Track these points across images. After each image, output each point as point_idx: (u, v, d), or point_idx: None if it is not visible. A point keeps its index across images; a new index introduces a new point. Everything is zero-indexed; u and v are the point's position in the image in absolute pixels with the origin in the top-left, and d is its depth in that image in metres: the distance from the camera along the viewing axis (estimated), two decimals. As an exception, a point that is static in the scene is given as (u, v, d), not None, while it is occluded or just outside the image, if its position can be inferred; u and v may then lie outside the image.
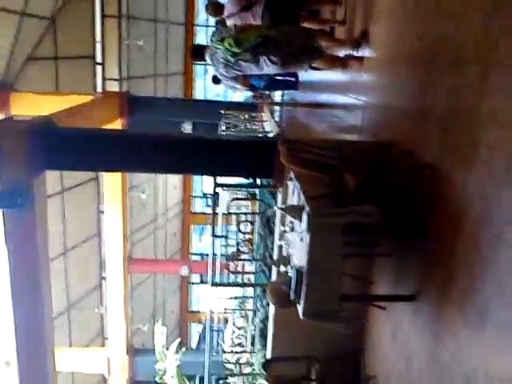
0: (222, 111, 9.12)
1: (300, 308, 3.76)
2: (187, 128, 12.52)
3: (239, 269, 9.61)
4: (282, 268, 4.34)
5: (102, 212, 13.44)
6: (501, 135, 2.78)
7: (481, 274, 2.89)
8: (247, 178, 6.47)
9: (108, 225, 12.73)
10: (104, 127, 9.75)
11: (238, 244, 9.16)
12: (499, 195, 2.74)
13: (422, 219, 3.67)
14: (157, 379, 8.78)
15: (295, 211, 3.99)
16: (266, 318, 7.48)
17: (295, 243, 4.14)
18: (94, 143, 5.33)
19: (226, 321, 10.06)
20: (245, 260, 8.17)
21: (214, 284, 5.73)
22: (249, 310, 8.56)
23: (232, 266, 9.48)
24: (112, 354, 11.52)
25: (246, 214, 9.40)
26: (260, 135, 7.59)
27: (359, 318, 4.84)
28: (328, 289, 3.70)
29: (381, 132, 4.86)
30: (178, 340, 9.62)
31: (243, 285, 8.09)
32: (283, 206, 4.36)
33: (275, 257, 5.28)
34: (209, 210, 19.44)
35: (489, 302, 2.80)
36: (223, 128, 8.11)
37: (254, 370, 7.54)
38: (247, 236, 9.50)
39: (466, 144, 3.17)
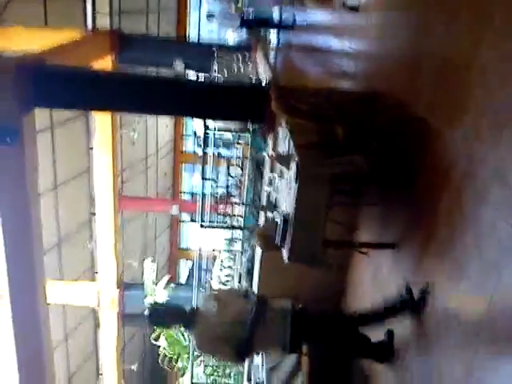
0: (215, 51, 8.97)
1: (285, 252, 3.89)
2: (179, 66, 12.28)
3: (228, 210, 9.74)
4: (270, 214, 4.45)
5: (92, 148, 13.38)
6: (488, 97, 2.81)
7: (461, 231, 2.99)
8: (238, 121, 6.47)
9: (98, 161, 12.70)
10: (94, 65, 9.57)
11: (227, 186, 9.22)
12: (485, 156, 2.80)
13: (410, 173, 3.75)
14: (145, 312, 9.08)
15: (284, 159, 4.05)
16: (253, 257, 7.66)
17: (283, 190, 4.22)
18: (83, 82, 5.26)
19: (215, 258, 10.29)
20: (234, 203, 8.28)
21: (202, 225, 5.85)
22: (236, 250, 8.76)
23: (221, 207, 9.63)
24: (102, 288, 11.82)
25: (236, 158, 9.45)
26: (253, 79, 7.50)
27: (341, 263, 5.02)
28: (312, 235, 3.81)
29: (374, 81, 4.85)
30: (168, 276, 9.87)
31: (231, 227, 8.25)
32: (273, 154, 4.40)
33: (263, 202, 5.37)
34: (200, 150, 19.43)
35: (466, 258, 2.93)
36: (215, 69, 8.01)
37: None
38: (237, 178, 9.59)
39: (457, 100, 3.20)
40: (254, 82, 7.54)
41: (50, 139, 11.90)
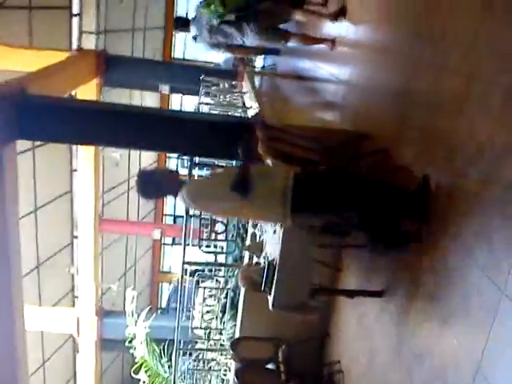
0: (202, 78, 8.95)
1: (270, 299, 3.83)
2: (165, 89, 12.23)
3: (212, 236, 9.58)
4: (255, 256, 4.39)
5: (75, 170, 13.23)
6: (475, 151, 2.80)
7: (447, 285, 2.97)
8: (223, 158, 6.42)
9: (80, 183, 12.57)
10: (79, 87, 9.46)
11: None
12: (471, 216, 2.79)
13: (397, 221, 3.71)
14: (126, 344, 8.91)
15: (270, 204, 3.99)
16: (237, 287, 7.54)
17: (269, 233, 4.17)
18: (69, 115, 5.16)
19: (198, 282, 10.10)
20: (220, 235, 8.17)
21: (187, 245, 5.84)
22: (221, 276, 8.64)
23: (205, 232, 9.51)
24: (81, 315, 11.58)
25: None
26: (239, 109, 7.48)
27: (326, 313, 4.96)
28: (298, 282, 3.76)
29: (359, 120, 4.85)
30: (148, 308, 9.71)
31: (215, 253, 8.17)
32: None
33: (248, 242, 5.31)
34: (185, 172, 19.32)
35: (452, 313, 2.90)
36: (202, 99, 7.98)
37: (222, 340, 7.70)
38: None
39: (441, 154, 3.20)
40: (240, 111, 7.51)
41: (32, 160, 11.71)
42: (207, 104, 7.70)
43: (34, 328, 10.02)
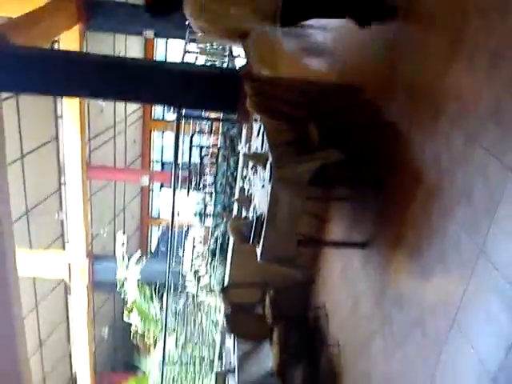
0: (188, 23, 8.72)
1: (258, 251, 3.99)
2: (149, 34, 11.97)
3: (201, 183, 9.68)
4: (244, 209, 4.52)
5: (60, 116, 13.09)
6: (459, 110, 2.89)
7: (427, 240, 3.14)
8: (211, 110, 6.42)
9: (66, 129, 12.49)
10: (60, 35, 9.26)
11: (201, 159, 9.13)
12: (453, 173, 2.91)
13: (380, 174, 3.85)
14: (117, 288, 9.19)
15: (259, 158, 4.09)
16: (226, 232, 7.73)
17: (257, 187, 4.28)
18: (49, 67, 5.09)
19: (187, 227, 10.32)
20: (208, 187, 8.27)
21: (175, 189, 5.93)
22: (208, 226, 8.84)
23: (194, 179, 9.61)
24: (72, 260, 11.82)
25: (209, 132, 9.42)
26: (226, 58, 7.40)
27: (313, 262, 5.16)
28: (286, 236, 3.91)
29: (351, 73, 4.86)
30: (139, 252, 9.93)
31: (204, 214, 8.31)
32: (247, 152, 4.43)
33: (237, 195, 5.43)
34: (171, 117, 19.14)
35: (431, 266, 3.08)
36: (188, 47, 7.85)
37: (211, 283, 7.97)
38: (210, 150, 9.54)
39: (427, 113, 3.28)
40: (226, 60, 7.44)
41: (15, 106, 11.56)
42: (193, 52, 7.59)
43: (25, 273, 10.24)
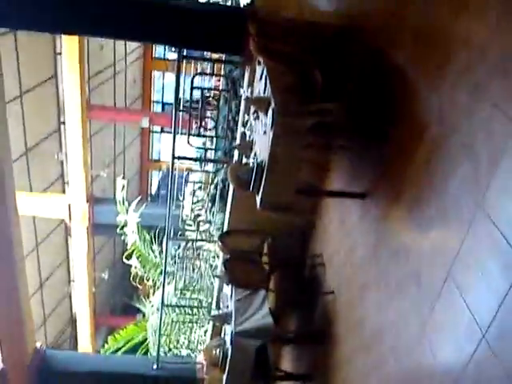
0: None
1: (258, 199, 3.94)
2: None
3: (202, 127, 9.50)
4: (244, 156, 4.44)
5: (59, 53, 12.76)
6: (469, 63, 2.76)
7: (427, 194, 3.07)
8: (213, 51, 6.20)
9: (65, 67, 12.21)
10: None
11: (202, 101, 8.89)
12: (457, 126, 2.81)
13: (384, 125, 3.74)
14: (118, 230, 9.23)
15: (261, 103, 3.96)
16: (226, 179, 7.65)
17: (259, 133, 4.18)
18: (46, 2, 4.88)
19: (188, 171, 10.23)
20: (209, 131, 8.11)
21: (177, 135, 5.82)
22: (209, 171, 8.76)
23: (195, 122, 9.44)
24: (72, 201, 11.85)
25: (211, 74, 9.16)
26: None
27: (312, 211, 5.12)
28: (286, 184, 3.86)
29: (357, 14, 4.65)
30: (139, 197, 9.92)
31: (205, 158, 8.20)
32: (249, 96, 4.30)
33: (238, 141, 5.33)
34: (172, 56, 18.70)
35: (429, 220, 3.03)
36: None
37: (211, 229, 8.00)
38: (212, 93, 9.33)
39: (434, 61, 3.15)
40: (231, 0, 7.14)
41: (13, 43, 11.24)
42: (197, -11, 7.26)
43: (26, 212, 10.27)
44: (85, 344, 14.19)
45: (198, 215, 8.70)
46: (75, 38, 11.52)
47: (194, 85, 6.65)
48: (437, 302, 2.88)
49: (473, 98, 2.69)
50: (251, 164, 4.13)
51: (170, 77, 18.55)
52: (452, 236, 2.79)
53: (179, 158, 5.94)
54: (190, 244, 8.31)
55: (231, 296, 5.12)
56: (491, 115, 2.51)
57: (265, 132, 3.92)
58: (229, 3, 7.29)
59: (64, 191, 13.20)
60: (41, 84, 12.51)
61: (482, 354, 2.42)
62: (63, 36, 11.60)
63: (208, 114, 9.09)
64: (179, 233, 8.53)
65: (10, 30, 10.86)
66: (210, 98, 9.21)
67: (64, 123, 12.93)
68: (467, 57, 2.78)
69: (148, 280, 8.75)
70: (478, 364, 2.45)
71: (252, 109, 4.44)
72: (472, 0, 2.78)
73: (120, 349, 9.05)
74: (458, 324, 2.66)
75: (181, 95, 7.73)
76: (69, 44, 11.76)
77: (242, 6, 6.08)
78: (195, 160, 7.58)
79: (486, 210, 2.48)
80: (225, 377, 4.90)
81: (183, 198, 8.70)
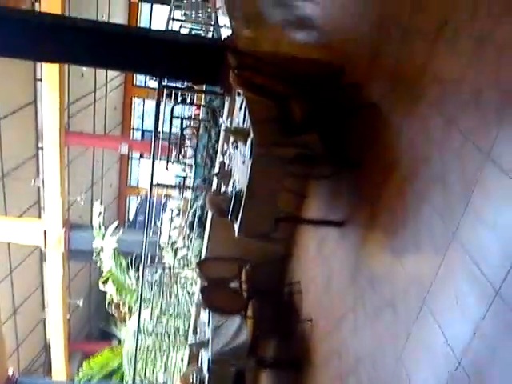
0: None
1: (236, 227, 4.00)
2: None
3: (181, 155, 9.58)
4: (223, 185, 4.51)
5: (40, 79, 12.77)
6: (440, 97, 2.91)
7: (402, 222, 3.18)
8: (193, 82, 6.31)
9: (45, 93, 12.22)
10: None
11: (182, 130, 9.02)
12: (430, 156, 2.93)
13: (359, 154, 3.87)
14: (93, 257, 9.15)
15: (240, 134, 4.06)
16: (205, 205, 7.69)
17: (237, 162, 4.27)
18: (26, 29, 4.91)
19: (166, 197, 10.22)
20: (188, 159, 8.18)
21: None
22: (187, 197, 8.79)
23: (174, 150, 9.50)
24: (48, 227, 11.70)
25: (191, 103, 9.30)
26: (211, 28, 7.27)
27: (290, 238, 5.20)
28: (264, 213, 3.93)
29: (335, 51, 4.83)
30: (116, 223, 9.87)
31: (184, 185, 8.25)
32: (228, 127, 4.39)
33: (216, 170, 5.41)
34: (153, 83, 18.83)
35: (404, 248, 3.13)
36: (173, 13, 7.69)
37: (189, 256, 7.99)
38: (192, 122, 9.43)
39: (408, 95, 3.29)
40: (212, 29, 7.30)
41: (-7, 67, 11.21)
42: (178, 20, 7.44)
43: (0, 238, 10.14)
44: (58, 370, 13.86)
45: (176, 242, 8.70)
46: (56, 65, 11.57)
47: (174, 114, 6.73)
48: (412, 329, 2.95)
49: (444, 129, 2.82)
50: (230, 192, 4.20)
51: (151, 104, 18.65)
52: (427, 264, 2.88)
53: (158, 184, 5.96)
54: (167, 270, 8.28)
55: (208, 322, 5.12)
56: (463, 146, 2.63)
57: (243, 162, 4.00)
58: (209, 35, 7.45)
59: (40, 217, 13.05)
60: (20, 109, 12.48)
61: (458, 381, 2.48)
62: (43, 63, 11.65)
63: (187, 142, 9.19)
64: (156, 259, 8.51)
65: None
66: (190, 127, 9.32)
67: (42, 149, 12.87)
68: (440, 90, 2.92)
69: (124, 306, 8.66)
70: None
71: (231, 138, 4.54)
72: (445, 37, 2.93)
73: (95, 376, 8.88)
74: (434, 351, 2.72)
75: (161, 123, 7.82)
76: (49, 70, 11.79)
77: (222, 38, 6.22)
78: (174, 187, 7.61)
79: (461, 239, 2.58)
80: (202, 405, 4.87)
81: (161, 225, 8.71)
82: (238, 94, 4.56)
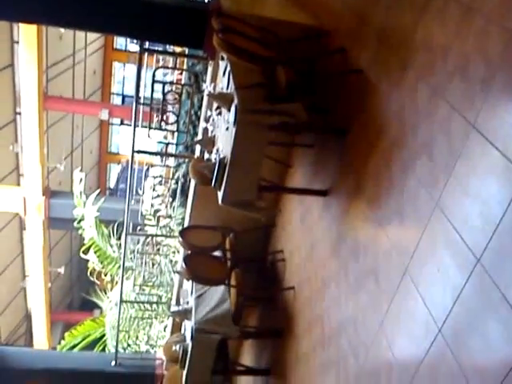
0: None
1: (220, 195, 3.93)
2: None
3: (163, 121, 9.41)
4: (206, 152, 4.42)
5: (17, 42, 12.36)
6: (428, 66, 2.84)
7: (386, 192, 3.14)
8: (176, 45, 6.13)
9: (22, 56, 11.85)
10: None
11: (164, 94, 8.80)
12: (417, 125, 2.88)
13: (345, 122, 3.80)
14: (75, 224, 9.02)
15: (224, 100, 3.95)
16: (188, 174, 7.61)
17: (221, 129, 4.17)
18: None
19: (148, 165, 10.10)
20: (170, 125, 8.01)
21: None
22: (170, 167, 8.69)
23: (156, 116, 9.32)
24: (28, 194, 11.52)
25: (173, 68, 9.07)
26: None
27: (274, 207, 5.15)
28: (248, 180, 3.87)
29: (323, 16, 4.70)
30: (97, 191, 9.72)
31: (166, 153, 8.11)
32: (212, 92, 4.27)
33: (200, 136, 5.30)
34: (133, 47, 18.41)
35: (388, 218, 3.11)
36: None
37: (171, 225, 7.92)
38: (174, 87, 9.23)
39: (396, 64, 3.21)
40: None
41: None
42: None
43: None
44: (41, 340, 13.86)
45: (158, 210, 8.62)
46: (33, 27, 11.19)
47: (156, 78, 6.55)
48: (394, 297, 2.96)
49: (431, 99, 2.77)
50: (213, 160, 4.12)
51: (131, 68, 18.26)
52: (410, 233, 2.87)
53: (139, 151, 5.83)
54: (149, 239, 8.22)
55: (191, 292, 5.10)
56: (449, 116, 2.59)
57: (227, 128, 3.91)
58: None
59: (19, 184, 12.82)
60: (-4, 72, 12.10)
61: (437, 350, 2.50)
62: (21, 24, 11.25)
63: (169, 108, 9.00)
64: (138, 227, 8.43)
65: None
66: (172, 92, 9.11)
67: (20, 114, 12.55)
68: (428, 59, 2.86)
69: (106, 275, 8.60)
70: (433, 359, 2.53)
71: (215, 105, 4.42)
72: (433, 5, 2.85)
73: (77, 345, 8.87)
74: (414, 319, 2.74)
75: (142, 88, 7.63)
76: (27, 32, 11.41)
77: (206, 0, 6.02)
78: (156, 154, 7.48)
79: (443, 208, 2.56)
80: (185, 372, 4.88)
81: (143, 193, 8.60)
82: (222, 59, 4.43)
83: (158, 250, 7.95)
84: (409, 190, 2.90)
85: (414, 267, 2.80)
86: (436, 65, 2.77)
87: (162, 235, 7.70)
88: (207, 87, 4.58)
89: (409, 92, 3.02)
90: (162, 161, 9.31)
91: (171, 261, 7.84)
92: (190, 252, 5.04)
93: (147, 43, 6.01)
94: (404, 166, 2.97)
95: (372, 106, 3.46)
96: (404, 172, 2.96)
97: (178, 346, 4.93)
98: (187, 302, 5.25)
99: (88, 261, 8.99)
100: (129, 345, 8.27)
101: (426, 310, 2.63)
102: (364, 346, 3.26)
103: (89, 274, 8.85)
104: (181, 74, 10.01)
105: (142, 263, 7.87)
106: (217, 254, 5.18)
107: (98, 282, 9.06)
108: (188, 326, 4.97)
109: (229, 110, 3.85)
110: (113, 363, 7.10)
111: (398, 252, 2.98)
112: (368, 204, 3.39)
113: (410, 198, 2.88)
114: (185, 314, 5.03)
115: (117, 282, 8.34)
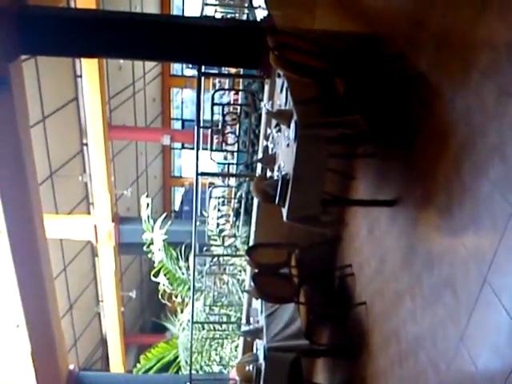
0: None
1: (284, 211, 3.91)
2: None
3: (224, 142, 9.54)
4: (268, 170, 4.42)
5: (80, 76, 12.98)
6: (493, 64, 2.71)
7: (459, 200, 3.00)
8: (232, 66, 6.23)
9: (86, 89, 12.41)
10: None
11: (224, 116, 8.92)
12: (485, 128, 2.75)
13: (411, 132, 3.69)
14: (144, 248, 9.26)
15: (283, 116, 3.95)
16: (250, 192, 7.64)
17: (282, 146, 4.16)
18: (70, 27, 4.98)
19: (211, 186, 10.24)
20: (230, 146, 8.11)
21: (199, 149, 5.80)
22: (232, 186, 8.78)
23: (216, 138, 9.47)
24: (98, 222, 11.95)
25: (231, 89, 9.23)
26: (247, 12, 7.13)
27: (339, 221, 5.06)
28: (312, 195, 3.82)
29: (377, 23, 4.63)
30: (164, 215, 9.95)
31: (229, 173, 8.21)
32: (270, 110, 4.28)
33: (260, 155, 5.31)
34: (189, 72, 18.89)
35: (463, 228, 2.96)
36: (206, 0, 7.59)
37: (236, 243, 7.98)
38: (232, 108, 9.36)
39: (458, 65, 3.09)
40: (247, 12, 7.17)
41: (35, 67, 11.45)
42: (211, 5, 7.33)
43: (53, 235, 10.39)
44: (116, 363, 14.22)
45: (223, 230, 8.70)
46: (94, 61, 11.72)
47: (214, 101, 6.67)
48: (474, 308, 2.80)
49: (499, 98, 2.63)
50: (275, 177, 4.11)
51: (187, 93, 18.71)
52: (487, 239, 2.71)
53: (203, 173, 5.92)
54: (215, 259, 8.30)
55: (261, 311, 5.08)
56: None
57: (288, 145, 3.90)
58: (244, 17, 7.33)
59: (89, 212, 13.35)
60: (62, 107, 12.73)
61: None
62: (83, 59, 11.82)
63: (229, 128, 9.13)
64: (205, 248, 8.53)
65: (30, 56, 11.09)
66: (230, 113, 9.25)
67: (86, 145, 13.12)
68: (491, 57, 2.73)
69: (176, 297, 8.75)
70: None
71: (274, 122, 4.43)
72: (493, 1, 2.73)
73: (152, 368, 9.04)
74: (498, 330, 2.58)
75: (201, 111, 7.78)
76: (88, 66, 11.95)
77: (258, 19, 6.09)
78: (219, 175, 7.57)
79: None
80: (259, 392, 4.84)
81: (207, 214, 8.72)
82: (279, 76, 4.44)
83: (225, 269, 8.01)
84: (482, 195, 2.75)
85: (493, 275, 2.64)
86: (501, 63, 2.64)
87: (228, 255, 7.75)
88: (265, 105, 4.61)
89: (474, 93, 2.89)
90: (223, 181, 9.43)
91: (238, 280, 7.87)
92: (257, 270, 5.03)
93: (204, 67, 6.15)
94: (475, 172, 2.83)
95: (436, 110, 3.34)
96: (476, 177, 2.82)
97: (251, 366, 4.90)
98: (258, 321, 5.23)
99: (158, 284, 9.19)
100: (201, 366, 8.33)
101: (510, 320, 2.47)
102: (444, 361, 3.10)
103: (160, 296, 9.02)
104: (236, 94, 10.16)
105: (210, 283, 7.95)
106: (284, 271, 5.14)
107: (169, 304, 9.22)
108: (260, 346, 4.93)
109: (288, 127, 3.85)
110: (187, 385, 7.16)
111: (474, 260, 2.82)
112: (439, 213, 3.25)
113: (484, 204, 2.74)
114: (256, 333, 5.00)
115: (187, 304, 8.45)
